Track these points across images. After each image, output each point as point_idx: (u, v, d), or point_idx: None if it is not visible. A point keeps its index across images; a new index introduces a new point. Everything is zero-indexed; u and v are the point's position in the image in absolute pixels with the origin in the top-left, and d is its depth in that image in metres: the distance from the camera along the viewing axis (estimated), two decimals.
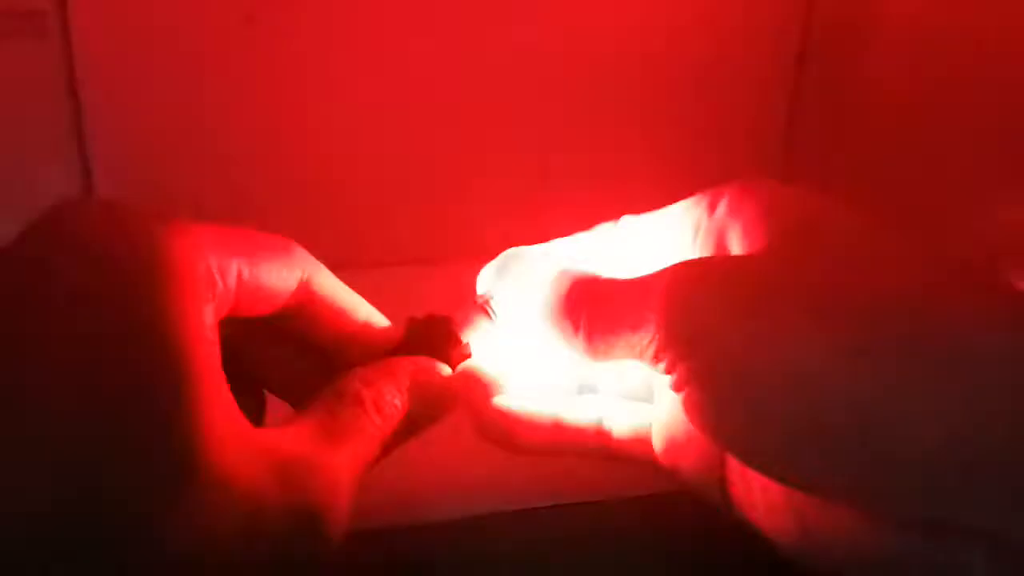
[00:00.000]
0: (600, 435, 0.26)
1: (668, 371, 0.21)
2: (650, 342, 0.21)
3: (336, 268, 0.24)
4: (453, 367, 0.25)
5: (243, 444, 0.19)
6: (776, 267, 0.21)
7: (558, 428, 0.26)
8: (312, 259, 0.24)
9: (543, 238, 0.27)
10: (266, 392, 0.25)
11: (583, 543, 0.29)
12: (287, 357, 0.25)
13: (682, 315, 0.20)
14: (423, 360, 0.24)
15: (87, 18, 0.39)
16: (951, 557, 0.19)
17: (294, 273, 0.23)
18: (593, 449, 0.26)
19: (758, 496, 0.23)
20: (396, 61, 0.43)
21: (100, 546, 0.17)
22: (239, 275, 0.21)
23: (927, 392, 0.18)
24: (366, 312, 0.25)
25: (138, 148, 0.42)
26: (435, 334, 0.26)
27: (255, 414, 0.25)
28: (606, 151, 0.46)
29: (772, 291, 0.20)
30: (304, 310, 0.24)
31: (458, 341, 0.26)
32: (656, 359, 0.21)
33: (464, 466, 0.31)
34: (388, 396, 0.23)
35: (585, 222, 0.27)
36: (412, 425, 0.24)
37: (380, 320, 0.25)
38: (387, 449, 0.23)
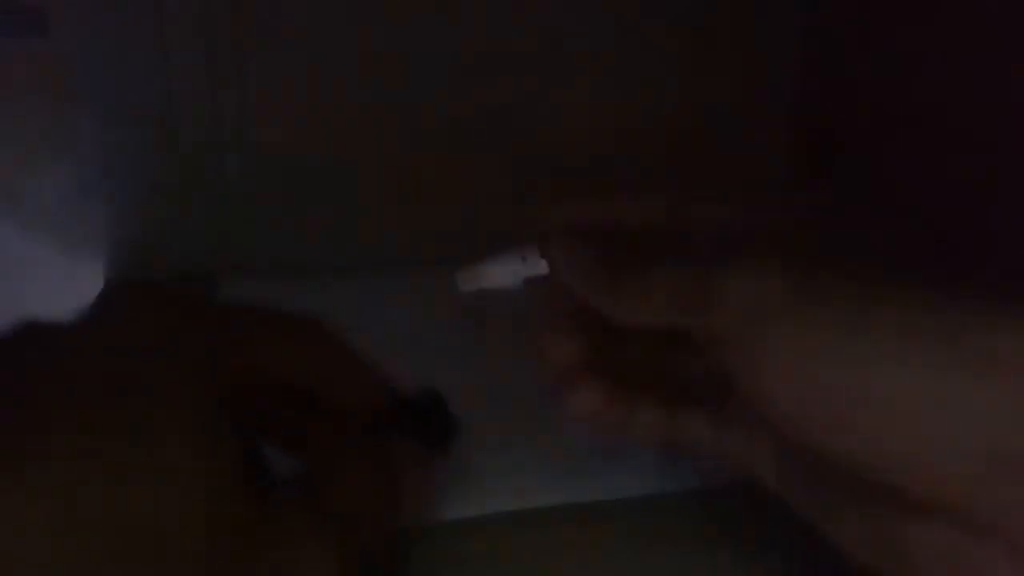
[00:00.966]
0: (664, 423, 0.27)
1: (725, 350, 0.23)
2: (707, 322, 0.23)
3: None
4: (442, 442, 0.27)
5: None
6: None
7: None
8: (319, 328, 0.25)
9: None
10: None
11: (584, 544, 0.29)
12: (287, 415, 0.26)
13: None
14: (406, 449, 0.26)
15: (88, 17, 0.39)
16: (969, 555, 0.19)
17: (299, 352, 0.25)
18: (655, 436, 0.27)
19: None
20: (396, 60, 0.43)
21: None
22: (244, 359, 0.23)
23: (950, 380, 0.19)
24: (365, 378, 0.26)
25: (139, 150, 0.42)
26: (427, 409, 0.27)
27: (257, 471, 0.25)
28: (604, 150, 0.46)
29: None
30: (305, 376, 0.25)
31: (449, 417, 0.28)
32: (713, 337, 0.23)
33: (465, 466, 0.31)
34: (366, 483, 0.24)
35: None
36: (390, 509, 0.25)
37: (380, 383, 0.26)
38: (372, 531, 0.24)
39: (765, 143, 0.49)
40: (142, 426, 0.19)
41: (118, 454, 0.18)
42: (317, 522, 0.22)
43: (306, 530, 0.21)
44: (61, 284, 0.43)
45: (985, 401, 0.18)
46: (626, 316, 0.25)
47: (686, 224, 0.26)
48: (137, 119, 0.41)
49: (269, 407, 0.25)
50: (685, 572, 0.28)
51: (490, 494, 0.30)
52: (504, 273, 0.27)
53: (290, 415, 0.26)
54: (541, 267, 0.27)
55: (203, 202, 0.43)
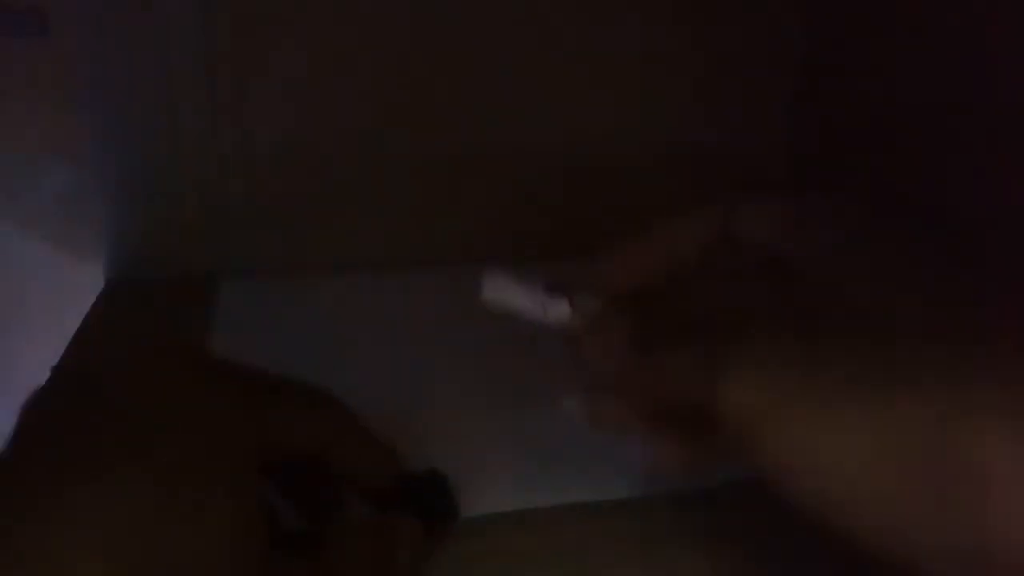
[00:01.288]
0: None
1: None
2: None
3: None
4: (441, 522, 0.28)
5: None
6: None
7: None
8: (335, 401, 0.27)
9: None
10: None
11: (583, 544, 0.29)
12: (299, 478, 0.27)
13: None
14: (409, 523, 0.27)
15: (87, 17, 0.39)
16: None
17: (318, 429, 0.26)
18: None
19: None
20: (396, 61, 0.43)
21: None
22: (267, 435, 0.24)
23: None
24: (375, 453, 0.27)
25: (139, 150, 0.42)
26: (430, 488, 0.28)
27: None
28: (604, 148, 0.46)
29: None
30: (319, 445, 0.26)
31: (450, 499, 0.28)
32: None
33: (465, 466, 0.31)
34: (366, 548, 0.25)
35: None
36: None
37: (389, 458, 0.28)
38: None
39: (765, 143, 0.49)
40: (186, 473, 0.21)
41: (163, 496, 0.20)
42: None
43: None
44: (61, 284, 0.43)
45: (974, 502, 0.19)
46: (648, 399, 0.26)
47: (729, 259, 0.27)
48: (137, 119, 0.41)
49: (283, 468, 0.26)
50: (685, 572, 0.28)
51: (490, 494, 0.30)
52: (529, 306, 0.28)
53: (302, 478, 0.27)
54: (564, 313, 0.28)
55: (203, 202, 0.43)
